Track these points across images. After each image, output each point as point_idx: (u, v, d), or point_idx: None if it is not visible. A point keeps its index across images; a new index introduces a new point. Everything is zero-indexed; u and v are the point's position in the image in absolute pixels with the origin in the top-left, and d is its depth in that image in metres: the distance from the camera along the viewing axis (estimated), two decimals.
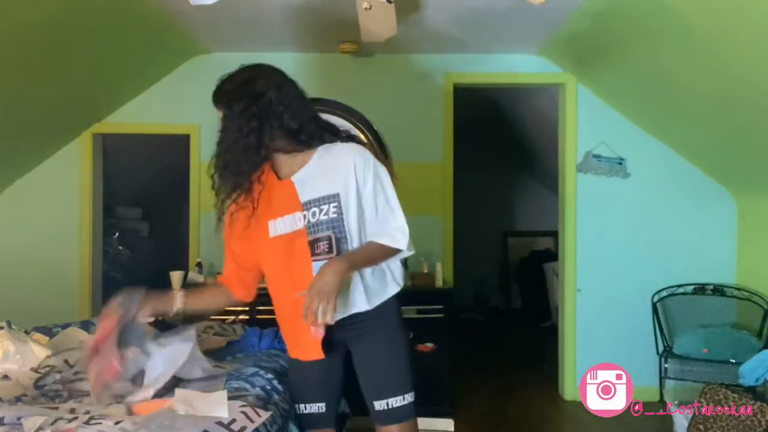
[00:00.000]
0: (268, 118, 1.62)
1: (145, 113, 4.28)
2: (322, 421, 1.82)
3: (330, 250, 1.67)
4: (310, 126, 1.69)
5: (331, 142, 1.73)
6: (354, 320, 1.74)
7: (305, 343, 1.70)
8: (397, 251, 1.70)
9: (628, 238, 4.21)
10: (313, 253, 1.68)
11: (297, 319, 1.61)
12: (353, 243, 1.69)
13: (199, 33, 3.85)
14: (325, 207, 1.67)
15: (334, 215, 1.66)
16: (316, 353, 1.69)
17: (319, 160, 1.71)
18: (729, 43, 2.78)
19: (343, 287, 1.61)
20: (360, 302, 1.71)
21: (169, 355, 1.68)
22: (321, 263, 1.63)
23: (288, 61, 4.16)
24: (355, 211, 1.68)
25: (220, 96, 1.67)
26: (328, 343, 1.69)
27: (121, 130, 4.33)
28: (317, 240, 1.68)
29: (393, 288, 1.78)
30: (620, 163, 4.19)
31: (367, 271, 1.73)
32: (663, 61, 3.30)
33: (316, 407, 1.81)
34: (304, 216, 1.69)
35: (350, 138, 1.77)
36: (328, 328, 1.63)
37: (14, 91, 3.36)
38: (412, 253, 1.73)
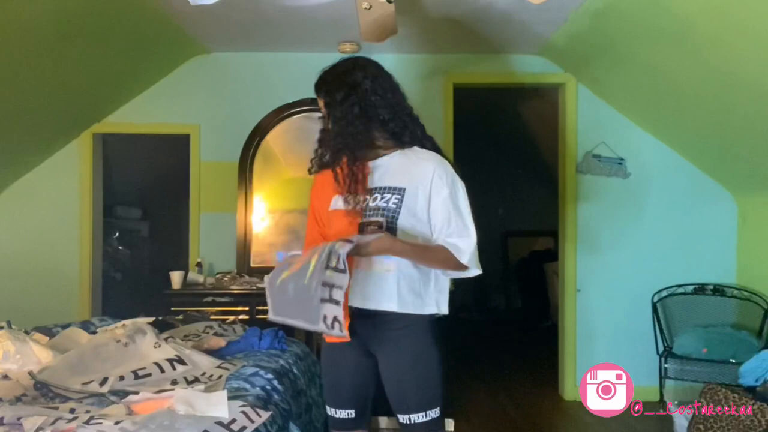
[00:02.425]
0: (366, 107, 1.71)
1: (145, 113, 4.27)
2: (350, 424, 1.83)
3: None
4: (403, 119, 1.76)
5: (420, 146, 1.78)
6: (380, 321, 1.72)
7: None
8: (457, 264, 1.70)
9: (628, 238, 4.21)
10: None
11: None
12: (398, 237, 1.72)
13: (199, 33, 3.84)
14: (388, 196, 1.72)
15: (393, 206, 1.71)
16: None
17: (401, 157, 1.76)
18: (729, 42, 2.78)
19: (374, 278, 1.67)
20: (389, 302, 1.70)
21: None
22: None
23: (288, 61, 4.14)
24: (413, 213, 1.70)
25: (322, 85, 1.79)
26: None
27: (121, 130, 4.33)
28: (368, 223, 1.71)
29: (430, 308, 1.76)
30: (620, 163, 4.19)
31: (412, 276, 1.72)
32: (663, 60, 3.30)
33: (346, 413, 1.82)
34: (365, 199, 1.74)
35: (436, 149, 1.80)
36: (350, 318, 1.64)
37: (14, 91, 3.36)
38: (478, 272, 1.75)
